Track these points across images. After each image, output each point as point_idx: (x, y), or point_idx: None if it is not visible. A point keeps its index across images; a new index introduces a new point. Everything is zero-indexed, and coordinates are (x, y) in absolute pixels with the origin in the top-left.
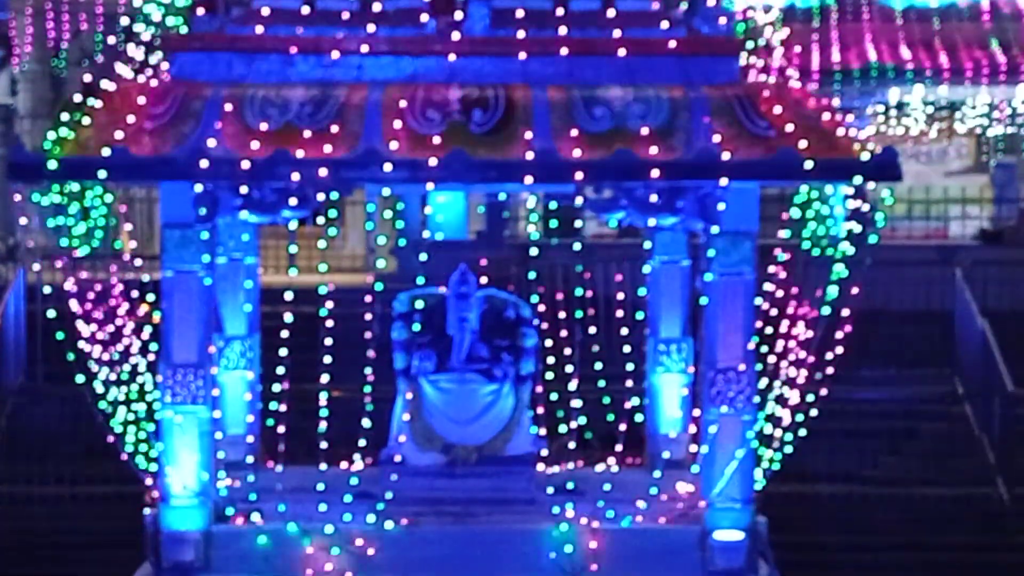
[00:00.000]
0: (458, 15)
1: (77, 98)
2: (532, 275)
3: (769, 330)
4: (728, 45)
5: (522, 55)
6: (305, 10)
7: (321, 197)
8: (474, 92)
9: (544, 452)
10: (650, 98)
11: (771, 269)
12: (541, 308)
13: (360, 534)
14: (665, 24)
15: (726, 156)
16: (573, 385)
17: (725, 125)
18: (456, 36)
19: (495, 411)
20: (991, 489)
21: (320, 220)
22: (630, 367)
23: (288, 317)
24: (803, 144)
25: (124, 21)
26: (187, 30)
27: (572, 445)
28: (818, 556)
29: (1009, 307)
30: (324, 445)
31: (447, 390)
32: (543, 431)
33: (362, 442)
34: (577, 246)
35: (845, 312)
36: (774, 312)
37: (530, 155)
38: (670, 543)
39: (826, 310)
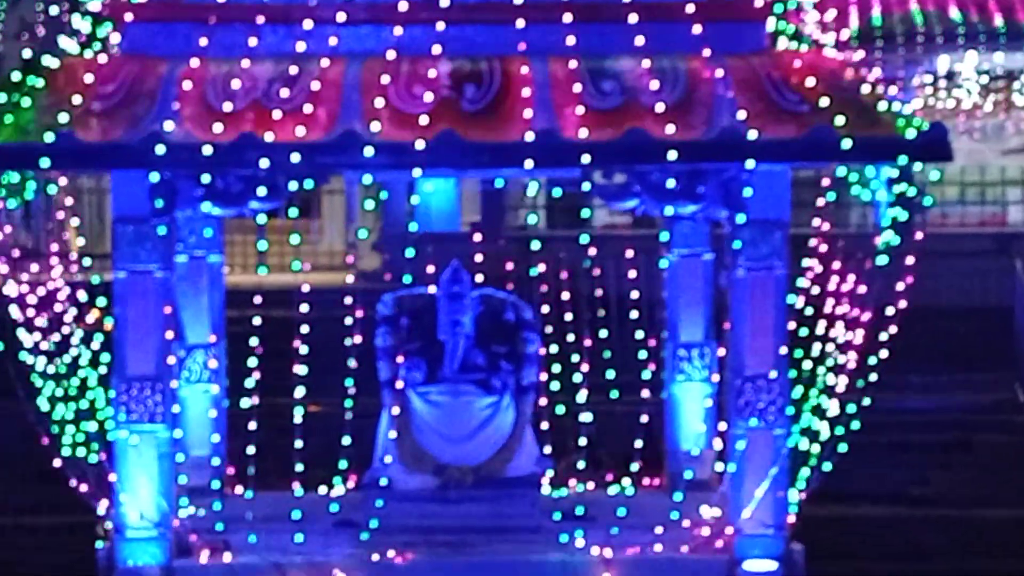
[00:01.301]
0: None
1: (16, 76)
2: (534, 271)
3: (804, 332)
4: (754, 9)
5: (520, 23)
6: None
7: (294, 186)
8: (466, 65)
9: (550, 473)
10: (666, 70)
11: (805, 262)
12: (545, 309)
13: (342, 568)
14: None
15: (753, 135)
16: (582, 396)
17: (752, 100)
18: (445, 2)
19: (493, 427)
20: None
21: (293, 212)
22: (646, 375)
23: (258, 322)
24: (840, 120)
25: None
26: None
27: (582, 465)
28: None
29: None
30: (300, 467)
31: (439, 403)
32: (548, 449)
33: (343, 463)
34: (585, 238)
35: (890, 310)
36: (810, 311)
37: (530, 136)
38: (693, 575)
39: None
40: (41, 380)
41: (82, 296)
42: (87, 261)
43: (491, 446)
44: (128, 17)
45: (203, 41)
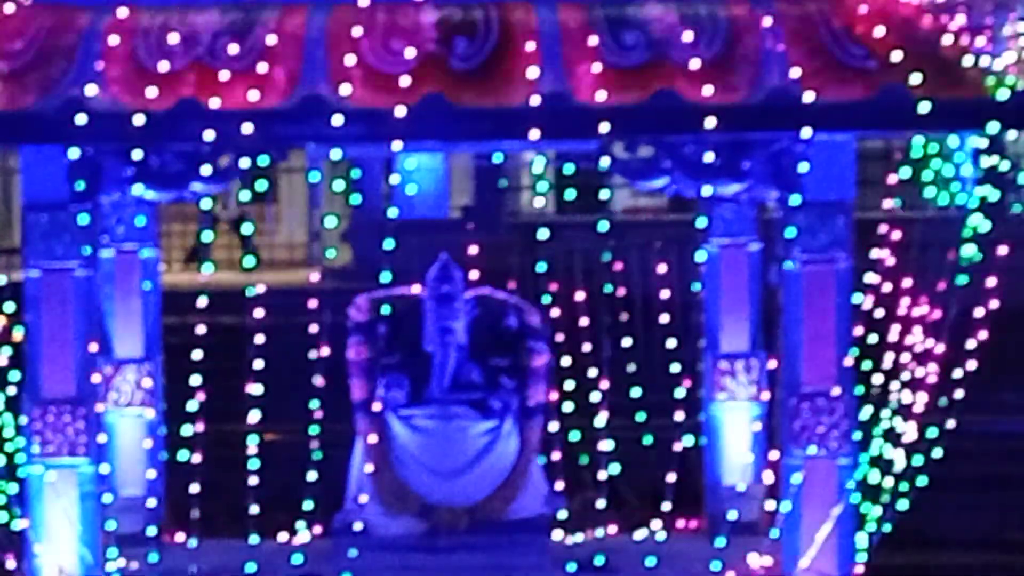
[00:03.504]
0: None
1: None
2: (541, 267)
3: (873, 339)
4: None
5: None
6: None
7: (245, 164)
8: (456, 14)
9: (562, 514)
10: (702, 19)
11: (875, 254)
12: (555, 313)
13: None
14: None
15: (809, 97)
16: (601, 420)
17: (807, 54)
18: None
19: (492, 458)
20: None
21: (244, 196)
22: (680, 394)
23: (202, 331)
24: (916, 79)
25: None
26: None
27: (601, 504)
28: None
29: None
30: (255, 510)
31: (425, 429)
32: (561, 485)
33: (308, 504)
34: (604, 225)
35: (979, 312)
36: (880, 314)
37: (535, 100)
38: None
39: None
40: None
41: None
42: None
43: (490, 482)
44: None
45: None
